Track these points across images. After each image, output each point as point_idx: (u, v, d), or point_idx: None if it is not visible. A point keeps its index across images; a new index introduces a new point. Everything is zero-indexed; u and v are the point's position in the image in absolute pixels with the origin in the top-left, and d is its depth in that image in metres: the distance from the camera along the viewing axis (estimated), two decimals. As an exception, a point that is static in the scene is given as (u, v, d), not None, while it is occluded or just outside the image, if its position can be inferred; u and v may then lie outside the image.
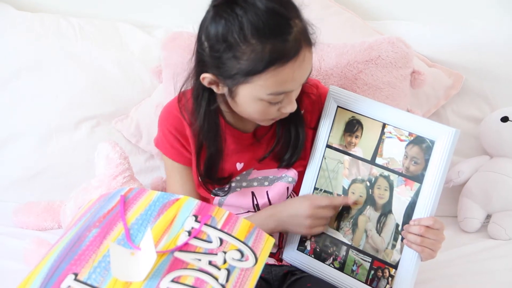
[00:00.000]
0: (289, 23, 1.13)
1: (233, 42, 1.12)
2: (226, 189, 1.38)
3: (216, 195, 1.39)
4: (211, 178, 1.36)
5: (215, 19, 1.15)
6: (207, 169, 1.34)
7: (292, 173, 1.39)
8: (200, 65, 1.22)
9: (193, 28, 1.89)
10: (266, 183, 1.40)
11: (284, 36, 1.12)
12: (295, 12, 1.17)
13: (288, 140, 1.35)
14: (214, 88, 1.23)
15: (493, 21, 1.92)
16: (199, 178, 1.36)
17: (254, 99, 1.20)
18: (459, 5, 1.96)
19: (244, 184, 1.39)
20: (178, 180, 1.40)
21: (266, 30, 1.11)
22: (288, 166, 1.38)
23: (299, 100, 1.33)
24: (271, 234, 1.11)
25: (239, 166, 1.38)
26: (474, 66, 1.87)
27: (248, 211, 1.41)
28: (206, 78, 1.21)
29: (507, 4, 1.95)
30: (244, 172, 1.39)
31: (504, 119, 1.79)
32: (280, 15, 1.12)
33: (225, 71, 1.17)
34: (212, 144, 1.31)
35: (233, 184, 1.39)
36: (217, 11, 1.15)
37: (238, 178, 1.39)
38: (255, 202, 1.40)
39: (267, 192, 1.40)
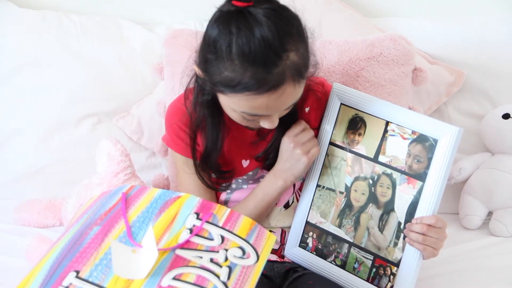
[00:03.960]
0: (280, 56, 1.10)
1: (220, 53, 1.12)
2: (225, 185, 1.39)
3: (216, 190, 1.39)
4: (211, 168, 1.35)
5: (213, 25, 1.14)
6: (205, 158, 1.34)
7: None
8: (196, 58, 1.22)
9: (195, 25, 1.89)
10: None
11: (268, 68, 1.10)
12: (295, 44, 1.13)
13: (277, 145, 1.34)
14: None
15: (494, 18, 1.92)
16: (196, 167, 1.35)
17: (230, 109, 1.20)
18: (460, 2, 1.95)
19: (251, 181, 1.40)
20: (191, 174, 1.38)
21: (251, 56, 1.09)
22: (268, 169, 1.37)
23: (304, 98, 1.33)
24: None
25: (244, 163, 1.38)
26: (476, 63, 1.87)
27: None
28: (197, 71, 1.22)
29: (509, 0, 1.94)
30: (251, 173, 1.39)
31: (506, 116, 1.79)
32: (271, 47, 1.09)
33: (208, 74, 1.17)
34: (209, 133, 1.31)
35: (239, 181, 1.40)
36: (218, 18, 1.14)
37: (244, 177, 1.39)
38: None
39: None
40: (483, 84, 1.88)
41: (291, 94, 1.16)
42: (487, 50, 1.87)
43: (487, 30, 1.89)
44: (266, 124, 1.22)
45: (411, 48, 1.67)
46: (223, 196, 1.41)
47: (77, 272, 0.96)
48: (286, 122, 1.31)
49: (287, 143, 1.31)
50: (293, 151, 1.30)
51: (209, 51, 1.14)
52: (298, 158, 1.31)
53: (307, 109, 1.37)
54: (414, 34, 1.79)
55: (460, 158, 1.85)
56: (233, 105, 1.17)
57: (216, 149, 1.32)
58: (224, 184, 1.39)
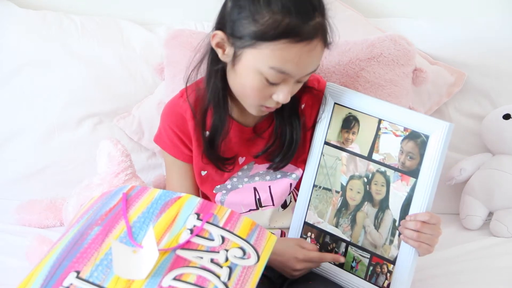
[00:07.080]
0: (316, 10, 1.17)
1: (257, 3, 1.15)
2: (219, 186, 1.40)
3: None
4: (214, 154, 1.35)
5: None
6: (210, 142, 1.34)
7: (297, 171, 1.39)
8: (217, 25, 1.24)
9: (195, 26, 1.89)
10: (268, 178, 1.40)
11: (305, 20, 1.15)
12: (322, 10, 1.20)
13: (283, 142, 1.35)
14: (220, 52, 1.24)
15: (495, 18, 1.92)
16: (202, 154, 1.36)
17: (254, 70, 1.20)
18: (461, 2, 1.95)
19: (245, 179, 1.40)
20: (177, 176, 1.42)
21: (291, 6, 1.14)
22: (276, 169, 1.39)
23: (299, 94, 1.33)
24: None
25: (240, 160, 1.39)
26: (476, 64, 1.86)
27: (250, 210, 1.41)
28: (217, 36, 1.22)
29: (509, 1, 1.94)
30: (245, 167, 1.39)
31: (506, 117, 1.79)
32: (310, 2, 1.17)
33: (238, 30, 1.18)
34: (216, 111, 1.32)
35: (234, 180, 1.40)
36: None
37: (239, 173, 1.40)
38: (257, 197, 1.40)
39: (269, 186, 1.40)
40: (483, 85, 1.87)
41: (318, 54, 1.21)
42: (487, 50, 1.87)
43: (487, 30, 1.89)
44: (281, 95, 1.22)
45: (411, 49, 1.67)
46: (218, 197, 1.41)
47: (78, 272, 0.96)
48: (285, 119, 1.32)
49: (295, 262, 1.32)
50: (291, 269, 1.32)
51: (244, 3, 1.17)
52: (288, 273, 1.34)
53: (302, 106, 1.37)
54: (414, 34, 1.79)
55: (460, 159, 1.85)
56: (263, 59, 1.18)
57: (223, 129, 1.32)
58: (218, 186, 1.40)
